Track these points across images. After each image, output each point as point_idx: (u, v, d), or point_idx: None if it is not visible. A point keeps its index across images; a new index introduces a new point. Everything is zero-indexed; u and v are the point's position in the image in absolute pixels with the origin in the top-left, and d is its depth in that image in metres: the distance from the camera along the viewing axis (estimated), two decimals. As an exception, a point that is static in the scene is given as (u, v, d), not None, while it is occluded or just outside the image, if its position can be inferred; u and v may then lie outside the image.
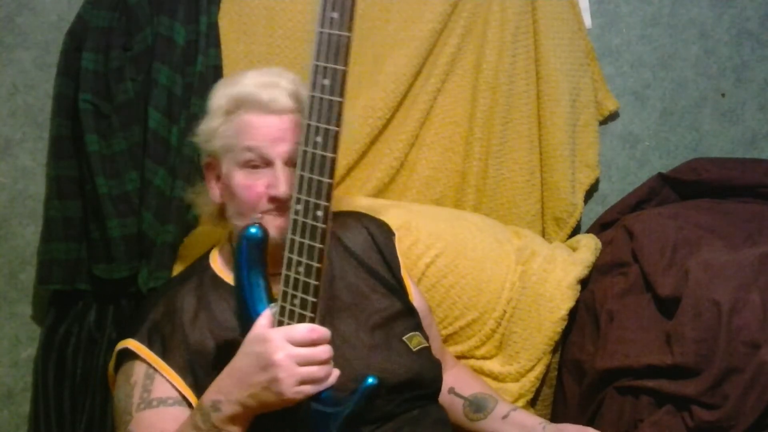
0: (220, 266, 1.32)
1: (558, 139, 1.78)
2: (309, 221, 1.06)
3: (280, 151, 1.22)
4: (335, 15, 1.03)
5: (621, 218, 1.72)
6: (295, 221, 1.08)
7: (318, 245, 1.06)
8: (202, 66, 1.64)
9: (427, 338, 1.36)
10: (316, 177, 1.05)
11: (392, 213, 1.63)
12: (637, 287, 1.51)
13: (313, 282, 1.07)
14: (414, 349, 1.30)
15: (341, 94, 1.04)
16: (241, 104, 1.24)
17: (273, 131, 1.22)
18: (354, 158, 1.73)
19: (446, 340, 1.61)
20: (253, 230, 1.09)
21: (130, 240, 1.61)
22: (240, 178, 1.23)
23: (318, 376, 1.05)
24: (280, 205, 1.21)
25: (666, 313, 1.42)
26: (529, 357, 1.56)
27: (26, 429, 1.78)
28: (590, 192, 1.90)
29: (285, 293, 1.09)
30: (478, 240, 1.63)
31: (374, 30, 1.73)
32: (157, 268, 1.59)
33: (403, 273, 1.42)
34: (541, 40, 1.77)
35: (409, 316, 1.36)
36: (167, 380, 1.18)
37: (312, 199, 1.06)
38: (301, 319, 1.08)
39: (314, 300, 1.07)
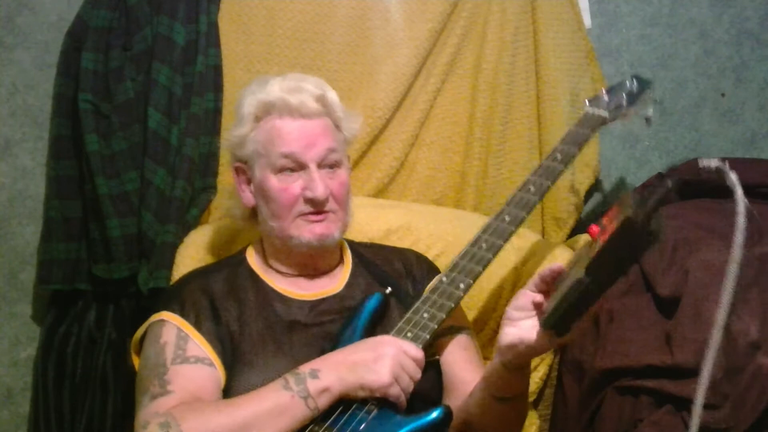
0: (255, 262, 1.36)
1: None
2: (451, 289, 1.23)
3: (313, 154, 1.27)
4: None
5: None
6: (437, 287, 1.24)
7: (450, 304, 1.21)
8: (202, 66, 1.64)
9: (437, 351, 1.35)
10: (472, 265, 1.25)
11: (392, 213, 1.63)
12: (637, 287, 1.50)
13: (432, 325, 1.20)
14: None
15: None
16: (270, 110, 1.28)
17: (305, 136, 1.27)
18: (354, 158, 1.73)
19: (446, 340, 1.61)
20: (374, 301, 1.29)
21: (129, 240, 1.61)
22: (275, 183, 1.27)
23: (407, 386, 1.14)
24: (315, 206, 1.27)
25: (666, 313, 1.42)
26: (531, 357, 1.56)
27: (26, 429, 1.78)
28: (590, 192, 1.90)
29: (401, 329, 1.20)
30: (478, 240, 1.63)
31: (374, 30, 1.73)
32: (157, 268, 1.59)
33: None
34: (541, 40, 1.77)
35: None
36: (199, 345, 1.21)
37: (464, 278, 1.24)
38: None
39: (427, 337, 1.19)
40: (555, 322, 1.04)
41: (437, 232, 1.62)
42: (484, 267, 1.25)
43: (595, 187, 1.91)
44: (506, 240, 1.28)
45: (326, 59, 1.72)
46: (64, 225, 1.66)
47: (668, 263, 1.48)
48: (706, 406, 1.27)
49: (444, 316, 1.21)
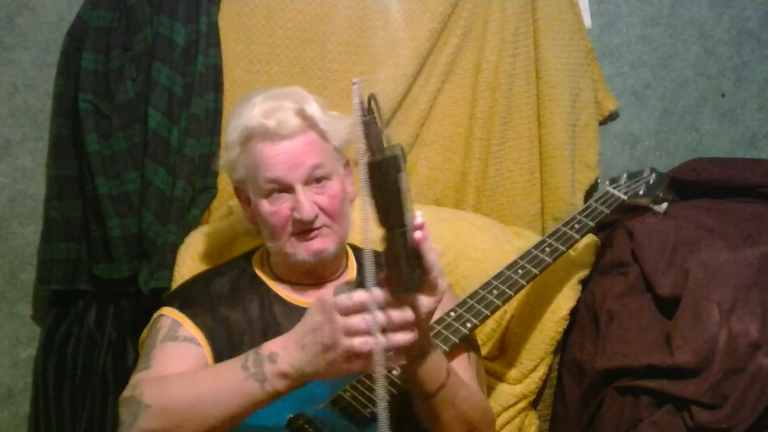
0: (261, 268, 1.39)
1: (558, 139, 1.78)
2: (457, 325, 1.32)
3: (297, 175, 1.26)
4: None
5: (621, 218, 1.72)
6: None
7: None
8: (202, 66, 1.64)
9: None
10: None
11: (392, 213, 1.63)
12: (637, 287, 1.50)
13: None
14: None
15: None
16: (252, 135, 1.27)
17: (288, 158, 1.25)
18: (354, 158, 1.73)
19: (446, 340, 1.61)
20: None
21: (130, 240, 1.61)
22: (266, 206, 1.28)
23: (363, 350, 0.95)
24: (305, 226, 1.27)
25: (666, 313, 1.42)
26: (532, 357, 1.56)
27: (26, 429, 1.79)
28: (590, 192, 1.90)
29: None
30: (478, 240, 1.63)
31: (374, 30, 1.73)
32: (158, 268, 1.59)
33: None
34: (541, 40, 1.77)
35: None
36: (191, 331, 1.25)
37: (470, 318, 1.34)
38: None
39: None
40: (413, 282, 0.94)
41: (437, 232, 1.61)
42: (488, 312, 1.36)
43: (595, 187, 1.91)
44: (516, 291, 1.39)
45: (326, 59, 1.72)
46: (64, 225, 1.66)
47: (668, 263, 1.48)
48: (706, 406, 1.27)
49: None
